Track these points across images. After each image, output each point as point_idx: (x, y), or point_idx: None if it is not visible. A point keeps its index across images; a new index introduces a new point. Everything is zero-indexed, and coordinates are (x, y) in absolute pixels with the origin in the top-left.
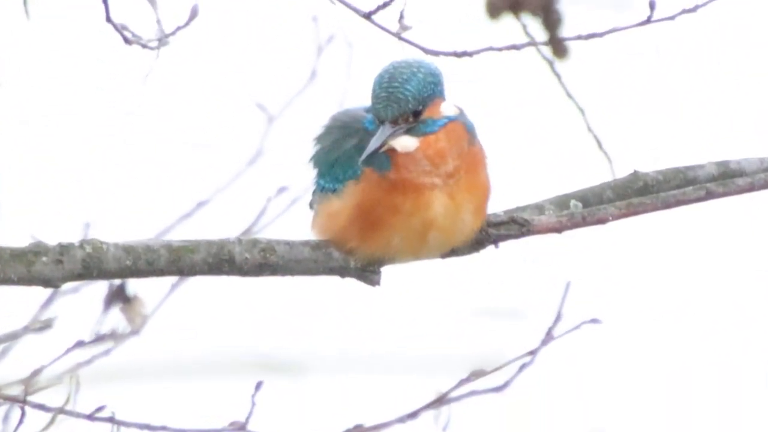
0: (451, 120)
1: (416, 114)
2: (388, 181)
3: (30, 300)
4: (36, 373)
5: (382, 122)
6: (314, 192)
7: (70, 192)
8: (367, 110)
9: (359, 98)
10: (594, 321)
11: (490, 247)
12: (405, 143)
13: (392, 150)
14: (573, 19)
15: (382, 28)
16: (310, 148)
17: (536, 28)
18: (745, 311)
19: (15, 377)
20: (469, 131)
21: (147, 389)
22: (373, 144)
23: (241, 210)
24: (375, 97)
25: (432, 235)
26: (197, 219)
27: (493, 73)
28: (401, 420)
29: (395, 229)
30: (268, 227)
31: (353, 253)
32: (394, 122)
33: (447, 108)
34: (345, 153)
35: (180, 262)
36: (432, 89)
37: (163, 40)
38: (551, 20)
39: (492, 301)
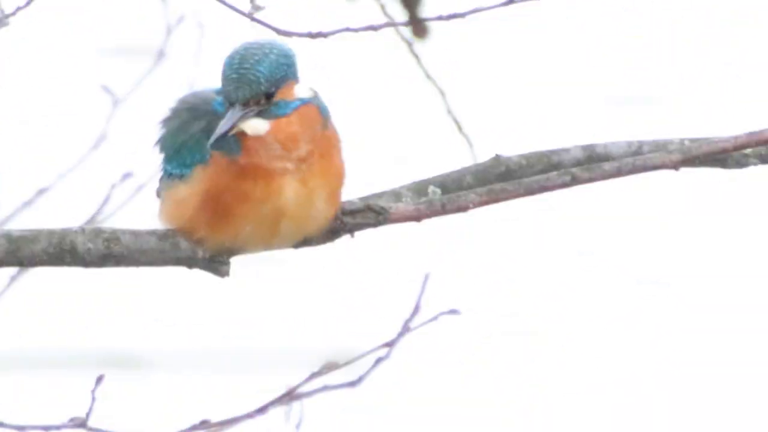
0: (304, 102)
1: (268, 96)
2: (237, 165)
3: None
4: None
5: (232, 104)
6: (161, 178)
7: None
8: (218, 92)
9: (209, 81)
10: (452, 312)
11: (346, 237)
12: (256, 126)
13: (242, 133)
14: None
15: (233, 8)
16: (156, 132)
17: (395, 7)
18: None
19: None
20: (323, 114)
21: None
22: (222, 127)
23: (84, 197)
24: (225, 78)
25: (284, 224)
26: (38, 207)
27: (351, 54)
28: (250, 416)
29: (245, 217)
30: (113, 216)
31: (202, 242)
32: (245, 104)
33: (301, 90)
34: (193, 136)
35: (19, 252)
36: (285, 71)
37: (2, 20)
38: (410, 0)
39: (348, 292)
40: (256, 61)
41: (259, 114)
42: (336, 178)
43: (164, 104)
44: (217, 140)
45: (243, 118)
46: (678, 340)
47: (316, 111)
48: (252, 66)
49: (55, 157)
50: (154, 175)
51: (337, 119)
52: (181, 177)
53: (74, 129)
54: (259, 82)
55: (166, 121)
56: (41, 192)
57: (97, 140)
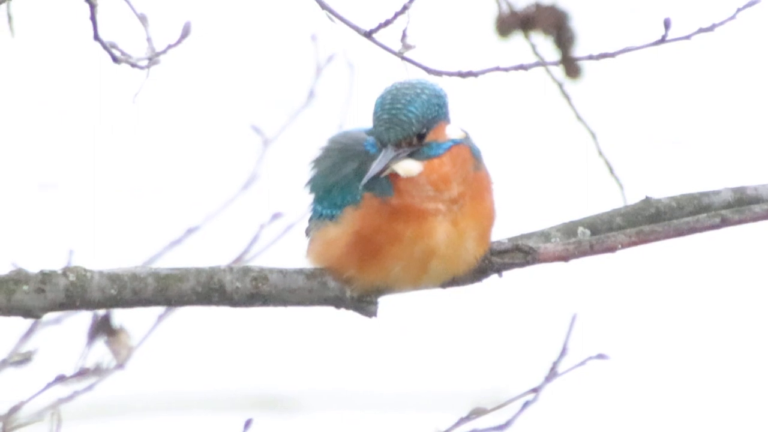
0: (456, 143)
1: (420, 137)
2: (389, 206)
3: (9, 331)
4: (15, 409)
5: (384, 145)
6: (310, 218)
7: (53, 216)
8: (368, 133)
9: (360, 120)
10: (601, 356)
11: (494, 277)
12: (408, 167)
13: (394, 175)
14: (585, 37)
15: (384, 48)
16: (307, 172)
17: (547, 47)
18: (758, 344)
19: None
20: (475, 155)
21: (132, 426)
22: (374, 168)
23: (233, 237)
24: (377, 119)
25: (433, 264)
26: (187, 246)
27: (501, 94)
28: None
29: (396, 257)
30: (261, 255)
31: (351, 282)
32: (397, 145)
33: (452, 131)
34: (344, 177)
35: (167, 291)
36: (436, 111)
37: (153, 58)
38: (564, 39)
39: (495, 333)
40: (408, 102)
41: (411, 155)
42: (487, 219)
43: (314, 145)
44: (370, 181)
45: (395, 159)
46: None
47: (468, 152)
48: (404, 106)
49: (205, 196)
50: (303, 215)
51: (489, 160)
52: (332, 217)
53: (225, 169)
54: (410, 122)
55: (317, 162)
56: (191, 231)
57: (247, 180)
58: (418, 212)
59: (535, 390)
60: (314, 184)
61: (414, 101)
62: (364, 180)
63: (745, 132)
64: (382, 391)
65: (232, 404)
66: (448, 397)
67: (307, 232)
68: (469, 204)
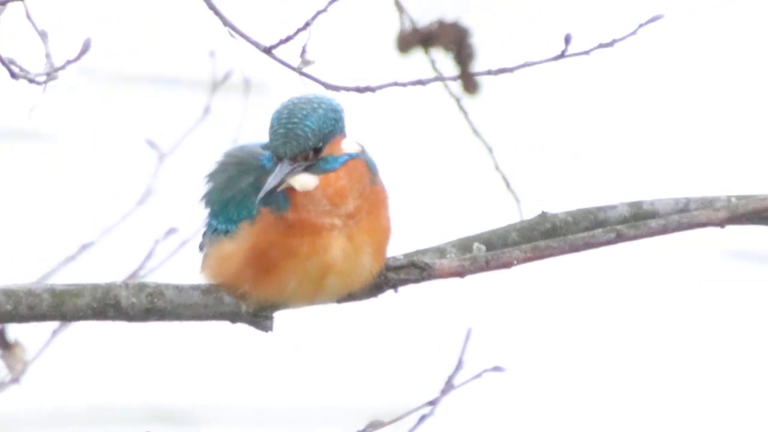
0: (352, 157)
1: (316, 151)
2: (285, 221)
3: None
4: None
5: (280, 159)
6: (205, 233)
7: None
8: (265, 147)
9: (256, 136)
10: (496, 369)
11: (389, 292)
12: (304, 181)
13: (291, 189)
14: (483, 53)
15: (283, 63)
16: (202, 186)
17: (446, 62)
18: (649, 358)
19: None
20: (371, 169)
21: None
22: (270, 182)
23: (128, 252)
24: (273, 133)
25: (329, 279)
26: (82, 261)
27: (399, 109)
28: None
29: (291, 273)
30: (157, 271)
31: (246, 297)
32: (293, 159)
33: (348, 145)
34: (240, 192)
35: (63, 306)
36: (333, 126)
37: (51, 74)
38: (464, 55)
39: (391, 348)
40: (304, 116)
41: (307, 169)
42: (383, 234)
43: (210, 159)
44: (266, 195)
45: (291, 173)
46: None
47: (364, 166)
48: (300, 120)
49: (100, 212)
50: (198, 230)
51: (385, 175)
52: (227, 233)
53: (120, 183)
54: (307, 137)
55: (213, 176)
56: (85, 247)
57: (142, 195)
58: (313, 227)
59: (432, 403)
60: (209, 199)
61: (310, 116)
62: (261, 194)
63: (642, 146)
64: (278, 406)
65: (128, 418)
66: (344, 411)
67: (201, 247)
68: (365, 219)
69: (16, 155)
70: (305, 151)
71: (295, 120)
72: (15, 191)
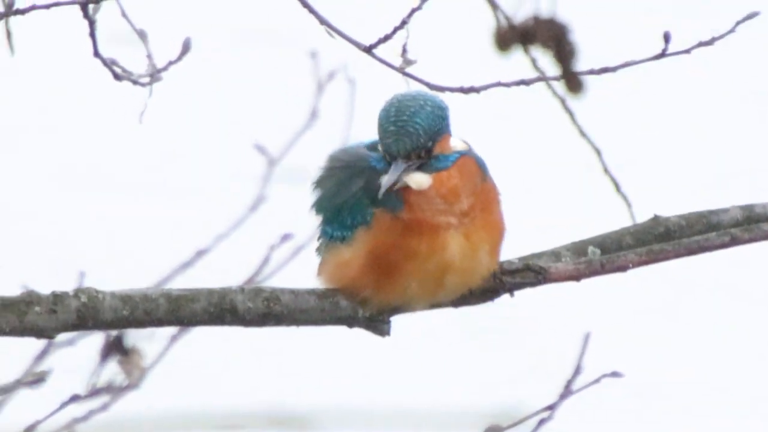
0: (462, 155)
1: (428, 150)
2: (401, 222)
3: (23, 352)
4: (30, 429)
5: (393, 158)
6: (320, 239)
7: (64, 239)
8: (371, 147)
9: (363, 136)
10: (615, 374)
11: (505, 296)
12: (419, 180)
13: (405, 188)
14: (586, 50)
15: (385, 63)
16: (311, 193)
17: (547, 61)
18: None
19: None
20: (481, 167)
21: None
22: (387, 180)
23: (243, 258)
24: (383, 131)
25: (448, 278)
26: (198, 268)
27: (503, 109)
28: None
29: (411, 274)
30: (273, 276)
31: (366, 302)
32: (407, 158)
33: (455, 143)
34: (352, 196)
35: (179, 311)
36: (440, 123)
37: (155, 75)
38: (564, 53)
39: (510, 352)
40: (413, 113)
41: (420, 167)
42: (497, 231)
43: (317, 163)
44: (383, 195)
45: (406, 171)
46: None
47: (474, 163)
48: (409, 118)
49: (214, 218)
50: (312, 236)
51: (493, 175)
52: (343, 239)
53: (232, 189)
54: (418, 134)
55: (321, 182)
56: (200, 253)
57: (254, 201)
58: (430, 226)
59: (551, 408)
60: (321, 206)
61: (419, 113)
62: (380, 193)
63: (752, 147)
64: (395, 410)
65: (246, 422)
66: (463, 415)
67: (318, 252)
68: (479, 216)
69: (128, 161)
70: (418, 148)
71: (405, 118)
72: (131, 199)
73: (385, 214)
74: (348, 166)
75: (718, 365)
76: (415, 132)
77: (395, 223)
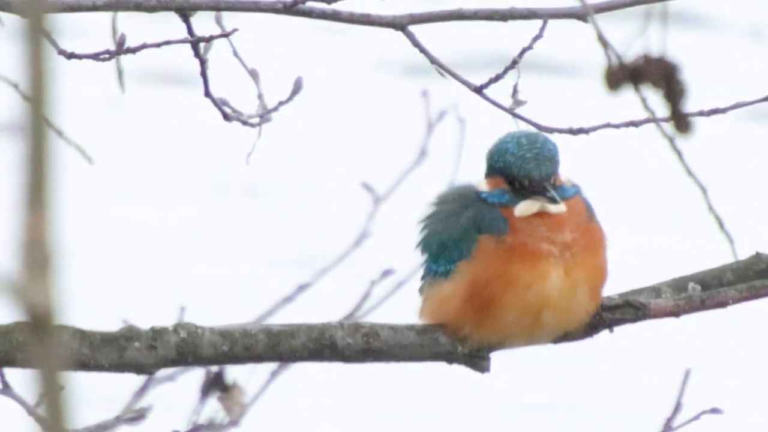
0: (577, 192)
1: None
2: (505, 245)
3: (123, 387)
4: None
5: (531, 183)
6: (423, 277)
7: (164, 274)
8: (473, 188)
9: (471, 176)
10: (715, 411)
11: (605, 332)
12: (558, 205)
13: (510, 214)
14: (694, 87)
15: (495, 104)
16: (418, 231)
17: (656, 100)
18: None
19: None
20: (589, 209)
21: None
22: (552, 193)
23: (344, 294)
24: (520, 160)
25: (546, 314)
26: (299, 302)
27: (611, 148)
28: None
29: (510, 305)
30: (373, 311)
31: (466, 338)
32: (549, 182)
33: (566, 182)
34: (458, 229)
35: (279, 347)
36: (558, 158)
37: (265, 116)
38: (674, 92)
39: (608, 388)
40: (544, 141)
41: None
42: (599, 273)
43: (424, 201)
44: (487, 222)
45: (550, 196)
46: None
47: (583, 204)
48: (543, 145)
49: (316, 253)
50: (414, 272)
51: (599, 213)
52: (446, 274)
53: (337, 226)
54: (554, 159)
55: (428, 220)
56: (302, 288)
57: (358, 237)
58: (533, 253)
59: None
60: (427, 243)
61: (547, 141)
62: (553, 195)
63: None
64: None
65: None
66: None
67: (421, 291)
68: (581, 254)
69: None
70: (555, 173)
71: (538, 145)
72: (233, 234)
73: (490, 239)
74: (456, 199)
75: None
76: (552, 157)
77: (499, 247)
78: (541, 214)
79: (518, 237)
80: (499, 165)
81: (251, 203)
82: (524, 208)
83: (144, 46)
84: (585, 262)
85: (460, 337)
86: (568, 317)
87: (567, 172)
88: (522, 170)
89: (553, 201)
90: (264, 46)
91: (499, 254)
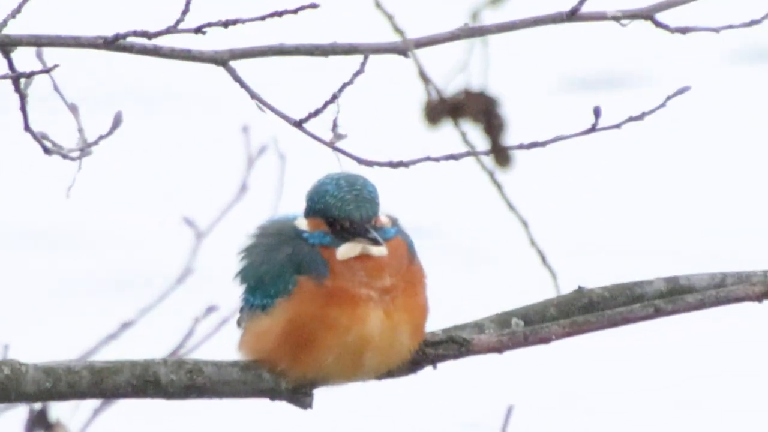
0: (397, 233)
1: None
2: (324, 289)
3: None
4: None
5: (355, 225)
6: (242, 309)
7: None
8: (294, 222)
9: (291, 209)
10: None
11: (428, 368)
12: (379, 248)
13: (331, 257)
14: (515, 122)
15: (315, 137)
16: (237, 262)
17: (476, 134)
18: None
19: None
20: (410, 249)
21: None
22: (374, 235)
23: (168, 331)
24: (340, 201)
25: (367, 356)
26: (122, 340)
27: (431, 182)
28: None
29: (329, 347)
30: (197, 348)
31: (284, 374)
32: (369, 223)
33: (385, 220)
34: (276, 264)
35: (103, 384)
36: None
37: (85, 149)
38: (493, 127)
39: (430, 425)
40: (363, 183)
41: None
42: (420, 313)
43: (245, 235)
44: (308, 264)
45: (371, 237)
46: None
47: (405, 247)
48: (362, 187)
49: (139, 290)
50: (236, 307)
51: (419, 249)
52: (264, 308)
53: (158, 262)
54: (374, 201)
55: (247, 251)
56: (125, 326)
57: (181, 274)
58: (352, 297)
59: None
60: (245, 275)
61: (367, 183)
62: (373, 235)
63: (676, 221)
64: None
65: None
66: None
67: (239, 323)
68: (401, 297)
69: (57, 233)
70: (377, 215)
71: (358, 187)
72: (55, 271)
73: (309, 281)
74: (275, 234)
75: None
76: (372, 198)
77: (318, 290)
78: (361, 258)
79: (338, 281)
80: (319, 207)
81: (76, 240)
82: (346, 250)
83: None
84: (405, 303)
85: (278, 372)
86: (390, 357)
87: (386, 206)
88: (342, 212)
89: (375, 242)
90: (84, 81)
91: (319, 297)
